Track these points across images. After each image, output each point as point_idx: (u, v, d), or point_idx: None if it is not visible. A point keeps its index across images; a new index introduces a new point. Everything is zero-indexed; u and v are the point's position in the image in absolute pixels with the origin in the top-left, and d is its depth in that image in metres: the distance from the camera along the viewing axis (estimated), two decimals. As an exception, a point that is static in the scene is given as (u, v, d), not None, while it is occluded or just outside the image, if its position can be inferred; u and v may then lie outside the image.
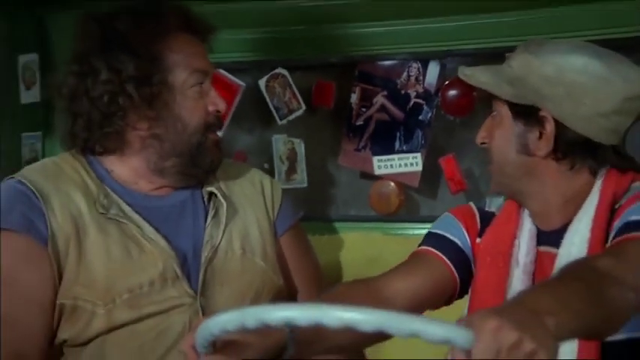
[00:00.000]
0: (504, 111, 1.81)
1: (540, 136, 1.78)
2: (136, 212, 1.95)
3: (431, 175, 2.71)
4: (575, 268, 1.47)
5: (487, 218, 1.92)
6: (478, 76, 1.83)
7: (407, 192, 2.73)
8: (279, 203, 2.15)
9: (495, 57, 2.49)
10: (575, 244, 1.74)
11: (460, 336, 1.16)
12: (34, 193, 1.87)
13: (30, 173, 1.94)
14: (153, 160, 1.99)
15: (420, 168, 2.69)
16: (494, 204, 1.97)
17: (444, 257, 1.85)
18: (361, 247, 2.67)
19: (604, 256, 1.53)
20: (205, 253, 1.97)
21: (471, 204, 1.97)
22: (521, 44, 1.84)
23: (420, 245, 1.90)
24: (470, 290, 1.87)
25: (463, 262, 1.87)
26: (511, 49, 2.34)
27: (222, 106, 2.01)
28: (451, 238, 1.88)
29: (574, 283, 1.37)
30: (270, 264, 2.07)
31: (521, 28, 2.40)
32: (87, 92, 1.92)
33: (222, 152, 2.06)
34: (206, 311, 1.88)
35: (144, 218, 1.95)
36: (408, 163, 2.71)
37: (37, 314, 1.84)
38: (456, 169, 2.65)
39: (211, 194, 2.04)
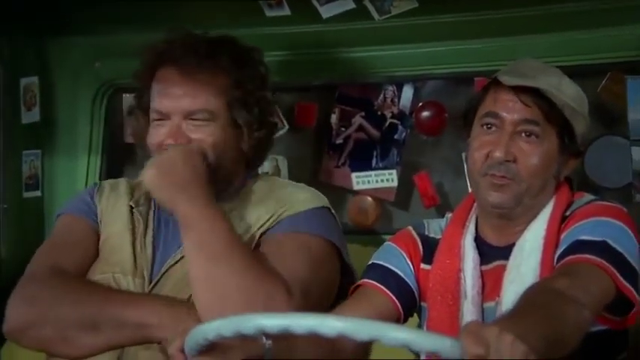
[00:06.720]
0: (549, 130, 1.80)
1: (576, 158, 1.86)
2: (157, 218, 2.12)
3: (405, 190, 2.84)
4: (535, 293, 1.55)
5: (429, 243, 1.95)
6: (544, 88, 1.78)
7: (383, 206, 2.85)
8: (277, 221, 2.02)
9: (464, 81, 2.66)
10: (527, 247, 1.81)
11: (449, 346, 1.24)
12: (96, 189, 2.22)
13: (109, 180, 2.31)
14: None
15: (395, 184, 2.83)
16: (432, 227, 2.00)
17: (387, 291, 1.91)
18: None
19: (558, 278, 1.62)
20: (163, 269, 2.04)
21: (410, 229, 2.00)
22: (529, 62, 1.87)
23: (363, 277, 1.95)
24: (424, 328, 1.91)
25: (406, 292, 1.92)
26: (478, 74, 2.51)
27: (166, 141, 2.03)
28: (393, 269, 1.93)
29: (536, 311, 1.45)
30: None
31: (488, 54, 2.48)
32: None
33: None
34: None
35: (158, 225, 2.11)
36: (384, 179, 2.83)
37: (80, 248, 2.13)
38: (429, 185, 2.78)
39: None
